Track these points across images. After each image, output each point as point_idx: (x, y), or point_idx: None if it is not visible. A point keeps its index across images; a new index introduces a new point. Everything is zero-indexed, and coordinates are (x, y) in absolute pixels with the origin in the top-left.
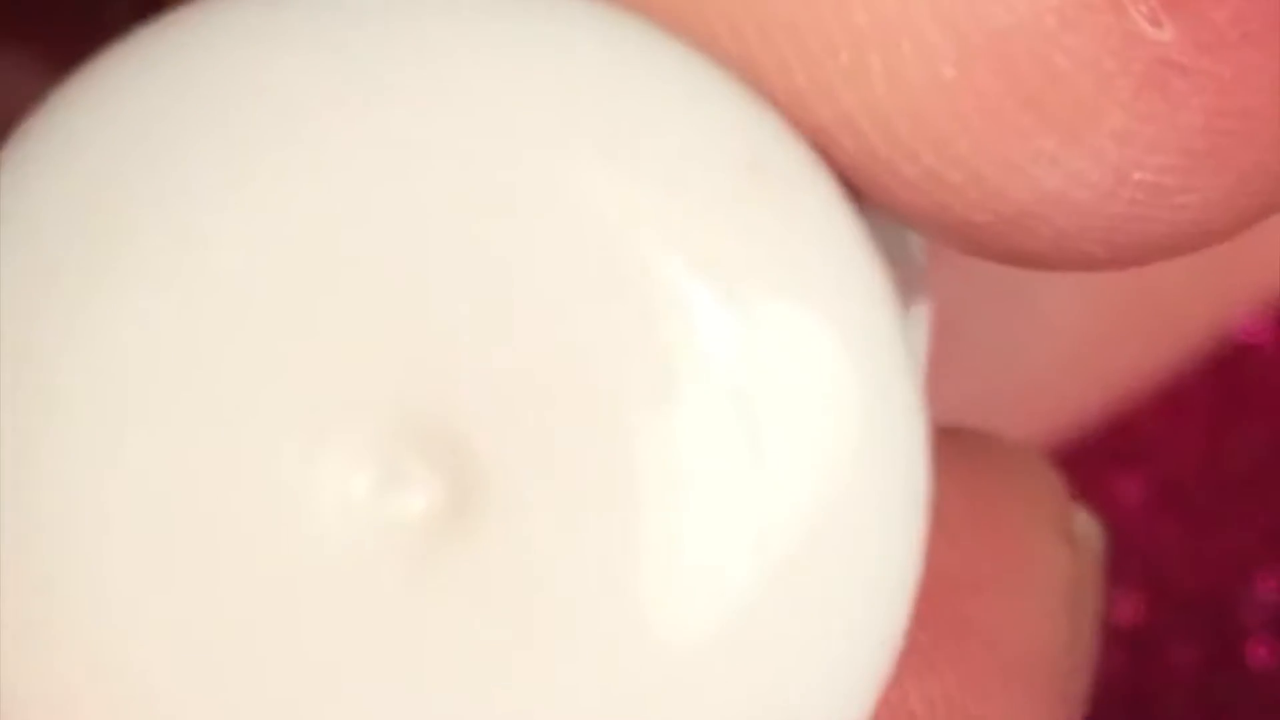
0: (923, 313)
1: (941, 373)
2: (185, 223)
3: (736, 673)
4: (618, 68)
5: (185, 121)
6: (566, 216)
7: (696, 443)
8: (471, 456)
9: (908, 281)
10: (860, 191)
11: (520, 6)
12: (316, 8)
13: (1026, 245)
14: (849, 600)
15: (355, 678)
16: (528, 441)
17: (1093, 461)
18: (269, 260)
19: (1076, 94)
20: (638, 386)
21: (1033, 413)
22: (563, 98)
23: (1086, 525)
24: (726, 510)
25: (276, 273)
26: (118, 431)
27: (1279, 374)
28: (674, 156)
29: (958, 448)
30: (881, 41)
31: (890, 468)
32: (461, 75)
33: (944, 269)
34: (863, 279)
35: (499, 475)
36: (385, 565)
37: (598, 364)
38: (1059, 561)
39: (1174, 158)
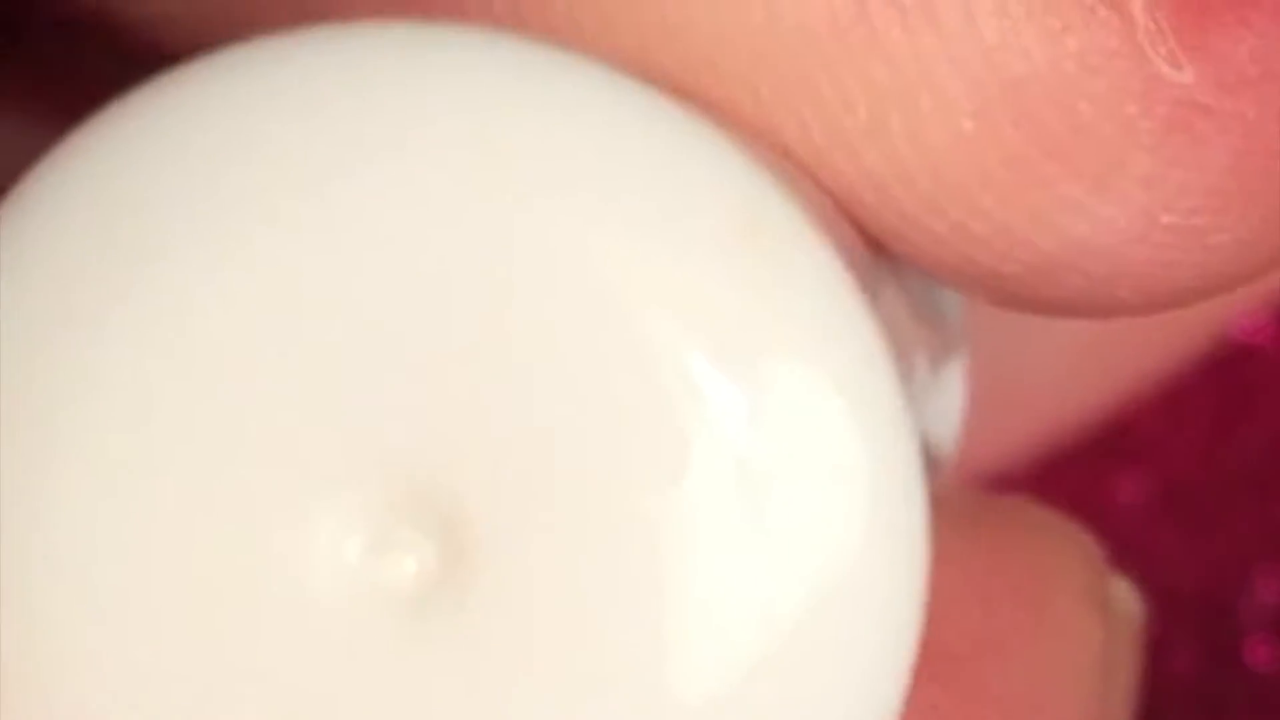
0: (957, 369)
1: None
2: (177, 290)
3: None
4: (614, 132)
5: (177, 189)
6: (562, 282)
7: (696, 510)
8: (465, 522)
9: (942, 338)
10: (887, 246)
11: (517, 68)
12: (308, 71)
13: (1057, 294)
14: (852, 666)
15: None
16: (522, 507)
17: (1093, 461)
18: (264, 326)
19: (1100, 140)
20: (635, 454)
21: (1033, 413)
22: (558, 163)
23: (1124, 595)
24: (729, 578)
25: (271, 339)
26: (110, 498)
27: (1279, 374)
28: (673, 223)
29: (992, 515)
30: (900, 97)
31: (892, 530)
32: (459, 140)
33: None
34: (860, 340)
35: (492, 540)
36: (377, 629)
37: (595, 431)
38: (1090, 632)
39: (1202, 199)
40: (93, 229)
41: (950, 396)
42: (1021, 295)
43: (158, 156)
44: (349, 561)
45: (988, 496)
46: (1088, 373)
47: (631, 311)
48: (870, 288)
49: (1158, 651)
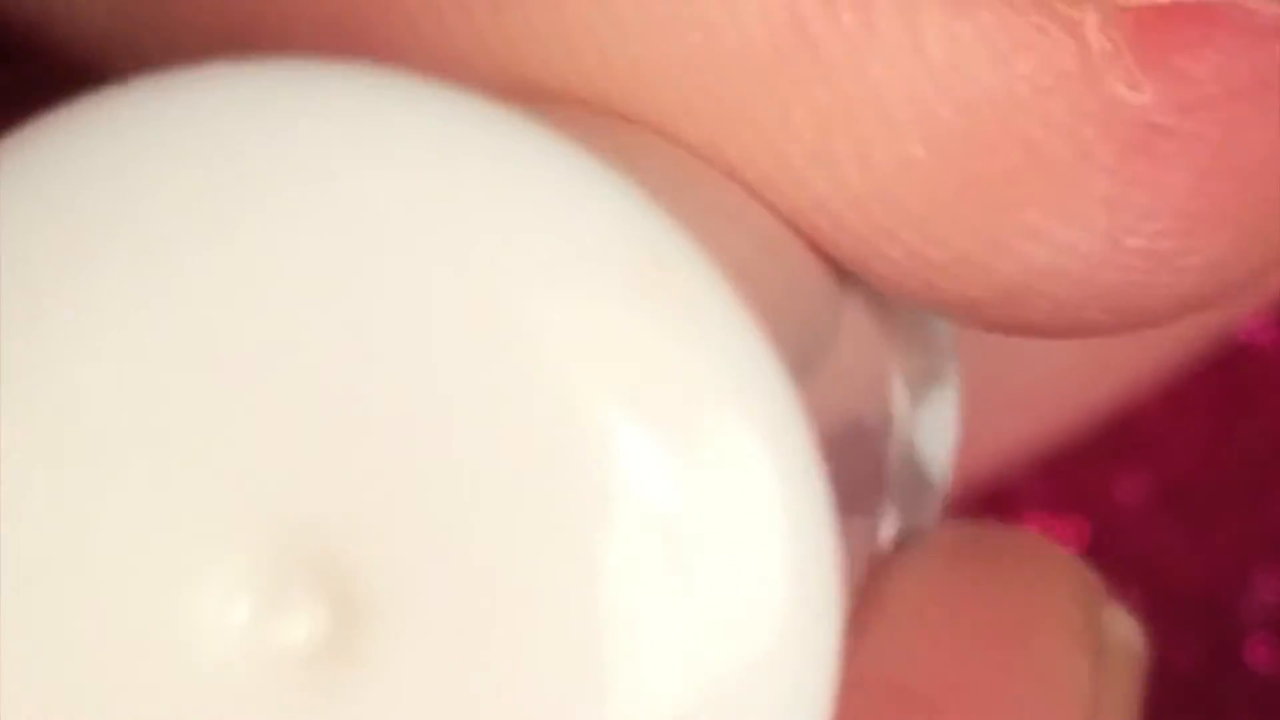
0: (949, 392)
1: None
2: (53, 336)
3: None
4: (514, 179)
5: (61, 231)
6: (462, 330)
7: (606, 565)
8: (361, 581)
9: (928, 360)
10: (850, 272)
11: (408, 112)
12: (213, 110)
13: (1026, 317)
14: None
15: None
16: (420, 563)
17: (1093, 461)
18: (138, 381)
19: (1056, 164)
20: (540, 507)
21: (1033, 413)
22: (459, 211)
23: (1123, 627)
24: (643, 634)
25: (146, 393)
26: None
27: (1279, 374)
28: (578, 271)
29: (979, 548)
30: (845, 122)
31: (813, 583)
32: (356, 190)
33: None
34: (775, 390)
35: (390, 598)
36: (268, 694)
37: (499, 485)
38: (1077, 674)
39: (1168, 222)
40: None
41: (942, 418)
42: (992, 319)
43: (49, 196)
44: (237, 624)
45: (981, 528)
46: (1088, 373)
47: (536, 361)
48: (823, 318)
49: (1158, 651)
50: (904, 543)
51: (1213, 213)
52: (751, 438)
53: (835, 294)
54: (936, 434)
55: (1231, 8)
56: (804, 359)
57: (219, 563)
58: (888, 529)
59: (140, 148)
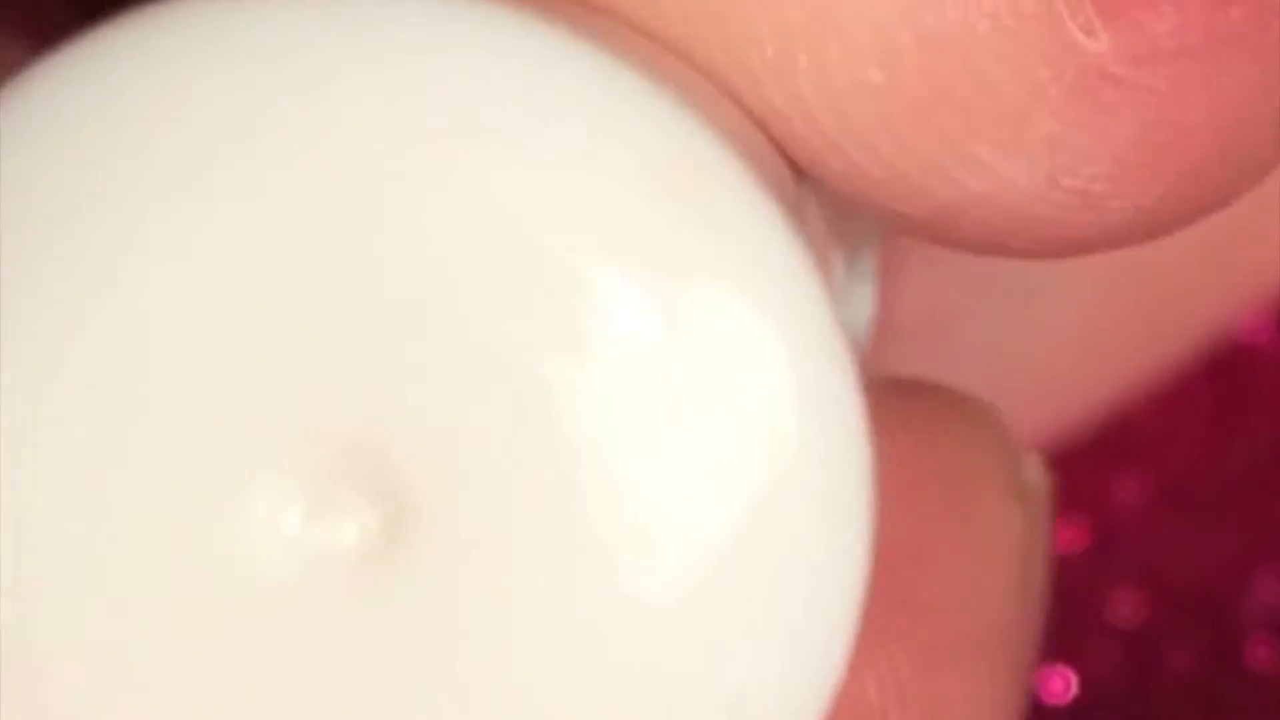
0: (870, 259)
1: (941, 373)
2: (102, 257)
3: (691, 654)
4: (534, 74)
5: (99, 152)
6: (490, 229)
7: (632, 441)
8: (403, 479)
9: (858, 233)
10: (795, 168)
11: (439, 16)
12: (224, 30)
13: (950, 236)
14: (801, 576)
15: (290, 710)
16: (455, 454)
17: (1093, 461)
18: (195, 291)
19: (1007, 101)
20: (569, 392)
21: (1032, 413)
22: (478, 105)
23: (1035, 472)
24: (667, 505)
25: (202, 304)
26: (38, 474)
27: (1279, 374)
28: (598, 164)
29: (901, 402)
30: (808, 39)
31: (828, 446)
32: (376, 84)
33: (944, 270)
34: (789, 269)
35: (430, 494)
36: (321, 596)
37: (519, 371)
38: (1008, 521)
39: (1105, 166)
40: (18, 188)
41: (864, 291)
42: (916, 231)
43: (87, 114)
44: (289, 530)
45: (899, 382)
46: (1088, 373)
47: (549, 245)
48: (797, 204)
49: (1158, 651)
50: None
51: (1149, 163)
52: (761, 307)
53: (794, 187)
54: (858, 308)
55: None
56: None
57: (271, 471)
58: None
59: (168, 65)
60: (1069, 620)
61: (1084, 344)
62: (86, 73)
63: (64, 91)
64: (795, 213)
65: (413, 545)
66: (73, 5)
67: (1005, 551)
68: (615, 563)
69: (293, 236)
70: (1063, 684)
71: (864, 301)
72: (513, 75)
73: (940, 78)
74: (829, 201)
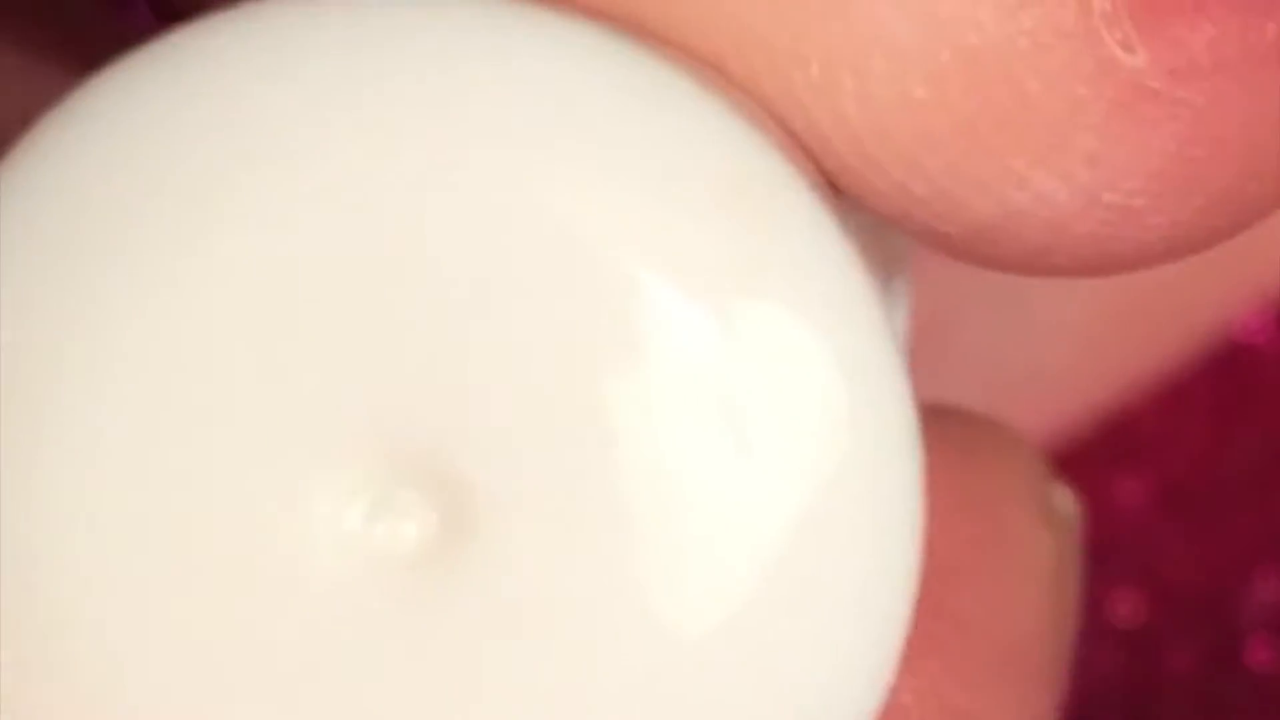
0: (903, 284)
1: (941, 373)
2: (171, 261)
3: (740, 673)
4: (599, 87)
5: (169, 161)
6: (551, 239)
7: (686, 452)
8: (463, 481)
9: (890, 254)
10: (834, 188)
11: (497, 24)
12: (284, 38)
13: (996, 255)
14: (850, 592)
15: (352, 708)
16: (515, 459)
17: (1093, 461)
18: (258, 295)
19: (1047, 117)
20: (626, 403)
21: (1032, 413)
22: (544, 118)
23: (1064, 501)
24: (720, 517)
25: (265, 307)
26: (107, 469)
27: (1279, 374)
28: (658, 175)
29: (937, 428)
30: (853, 57)
31: (881, 464)
32: (437, 98)
33: (943, 270)
34: (846, 285)
35: (489, 497)
36: (380, 594)
37: (581, 380)
38: (1041, 544)
39: (1144, 181)
40: (87, 197)
41: (898, 315)
42: (958, 250)
43: (148, 128)
44: (350, 528)
45: (933, 408)
46: (1088, 373)
47: (611, 257)
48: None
49: (1158, 651)
50: None
51: (1188, 178)
52: (819, 327)
53: (838, 207)
54: (895, 322)
55: None
56: None
57: (333, 466)
58: None
59: (218, 80)
60: None
61: (1084, 344)
62: (142, 87)
63: (121, 107)
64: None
65: (469, 548)
66: (113, 29)
67: (1037, 572)
68: (667, 573)
69: (357, 242)
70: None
71: (899, 322)
72: (567, 82)
73: (982, 94)
74: (865, 225)
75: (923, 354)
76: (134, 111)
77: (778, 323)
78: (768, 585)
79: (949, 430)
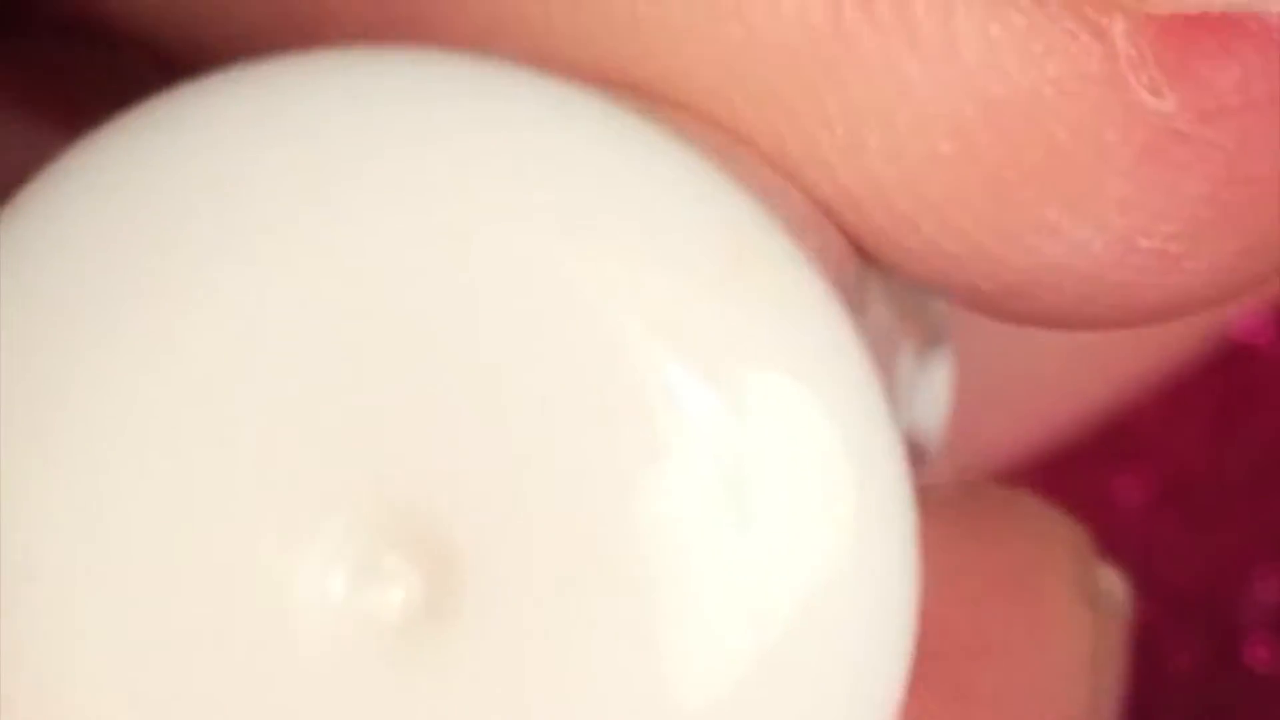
0: (944, 358)
1: None
2: (164, 317)
3: None
4: (603, 159)
5: (168, 213)
6: (548, 306)
7: (685, 527)
8: (451, 547)
9: (928, 328)
10: (865, 255)
11: (504, 92)
12: (278, 101)
13: (1031, 308)
14: (846, 666)
15: None
16: (506, 527)
17: (1093, 461)
18: (246, 356)
19: (1077, 165)
20: (622, 473)
21: (1033, 413)
22: (548, 187)
23: (1110, 583)
24: (719, 590)
25: (252, 367)
26: (92, 530)
27: (1279, 374)
28: (658, 247)
29: (977, 505)
30: (877, 115)
31: (880, 540)
32: (439, 163)
33: None
34: (847, 360)
35: (479, 564)
36: (365, 661)
37: (580, 451)
38: (1079, 626)
39: (1180, 225)
40: (84, 251)
41: (937, 385)
42: (995, 307)
43: (147, 182)
44: (334, 592)
45: (977, 486)
46: (1088, 373)
47: (614, 330)
48: (857, 294)
49: (1158, 651)
50: None
51: (1224, 220)
52: (819, 402)
53: (861, 275)
54: (931, 402)
55: (1254, 20)
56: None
57: (318, 530)
58: None
59: (228, 139)
60: None
61: (1084, 344)
62: (139, 148)
63: (113, 170)
64: (855, 304)
65: (456, 614)
66: (109, 88)
67: (1073, 653)
68: (663, 647)
69: (350, 306)
70: None
71: (939, 392)
72: (573, 153)
73: (1010, 146)
74: (899, 289)
75: None
76: (129, 174)
77: (781, 397)
78: (767, 662)
79: (987, 507)
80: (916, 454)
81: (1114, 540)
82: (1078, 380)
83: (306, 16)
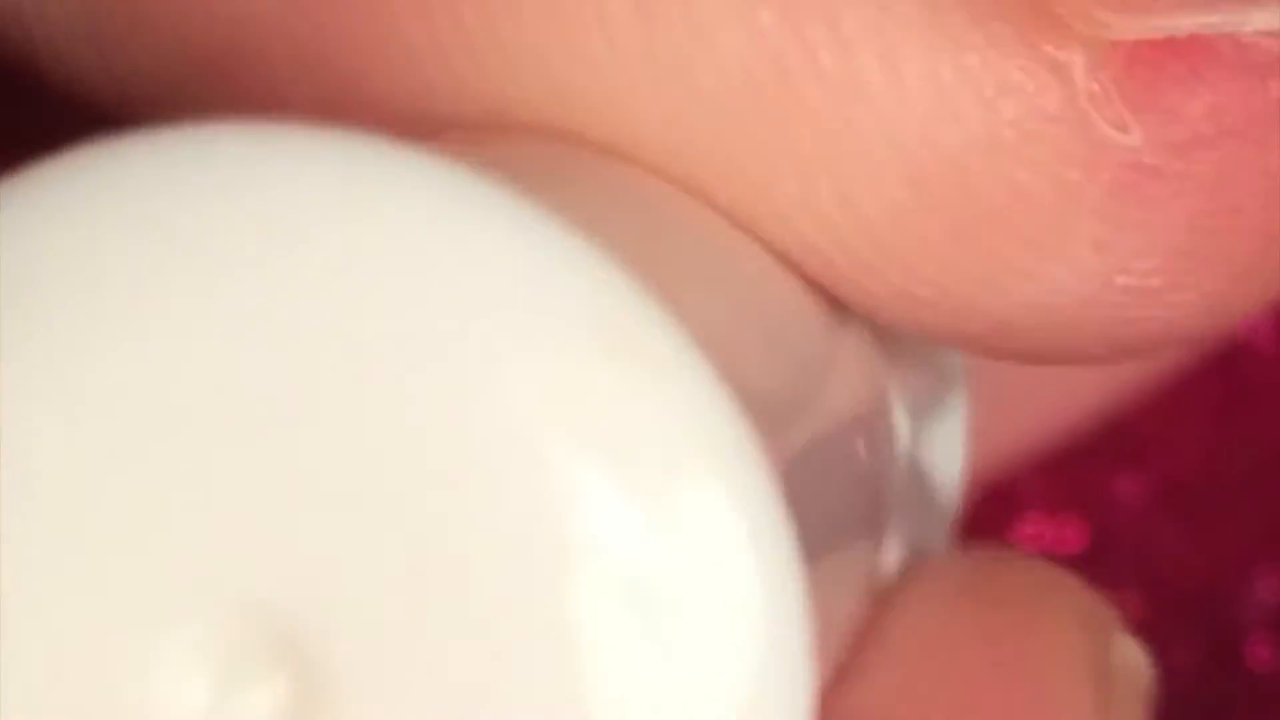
0: (957, 406)
1: None
2: (18, 396)
3: None
4: (480, 243)
5: (22, 291)
6: (425, 395)
7: (581, 628)
8: (323, 652)
9: (935, 376)
10: (840, 303)
11: (377, 178)
12: (132, 186)
13: (1020, 349)
14: None
15: None
16: (381, 633)
17: (1093, 461)
18: (96, 445)
19: (1043, 207)
20: (503, 575)
21: (1033, 413)
22: (418, 274)
23: (1130, 658)
24: (622, 696)
25: (102, 458)
26: None
27: (1279, 374)
28: (538, 329)
29: (987, 574)
30: (829, 168)
31: (783, 635)
32: (327, 253)
33: None
34: (739, 448)
35: (353, 670)
36: None
37: (462, 550)
38: (1081, 708)
39: (1159, 260)
40: None
41: (952, 435)
42: (985, 349)
43: (18, 252)
44: (196, 702)
45: (986, 557)
46: (1088, 373)
47: (498, 425)
48: (826, 345)
49: (1158, 651)
50: (910, 567)
51: (1207, 251)
52: (718, 497)
53: (829, 325)
54: (945, 454)
55: (1225, 42)
56: (795, 391)
57: (177, 633)
58: (893, 551)
59: (114, 211)
60: None
61: None
62: (64, 196)
63: (18, 222)
64: (828, 352)
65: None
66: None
67: None
68: None
69: (222, 398)
70: None
71: (954, 442)
72: (467, 243)
73: (971, 191)
74: (895, 344)
75: None
76: (50, 219)
77: (674, 490)
78: None
79: (998, 577)
80: (929, 509)
81: (1114, 540)
82: (1079, 380)
83: (224, 68)
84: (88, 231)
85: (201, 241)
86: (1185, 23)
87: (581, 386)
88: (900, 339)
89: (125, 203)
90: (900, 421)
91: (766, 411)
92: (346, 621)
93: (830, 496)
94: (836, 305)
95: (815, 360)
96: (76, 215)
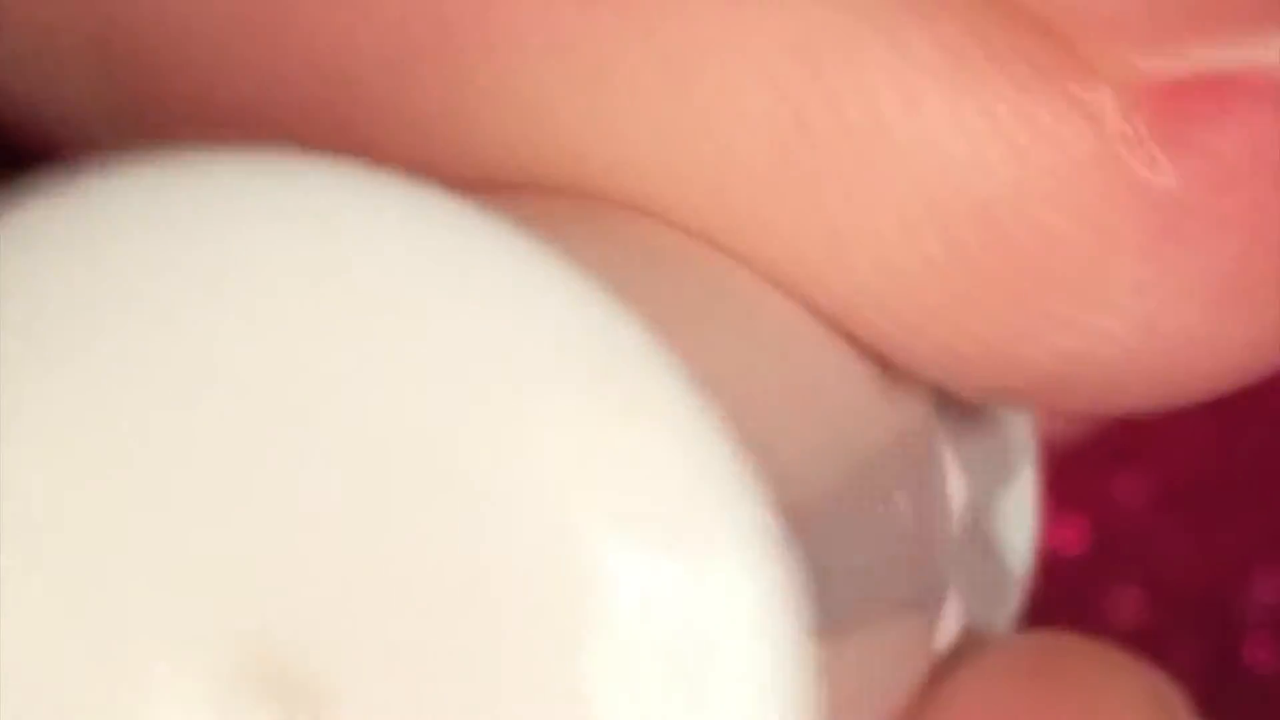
0: (1027, 476)
1: None
2: (9, 420)
3: None
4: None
5: (20, 313)
6: (444, 451)
7: (587, 687)
8: (325, 693)
9: (1001, 449)
10: (883, 361)
11: (379, 215)
12: (139, 204)
13: (1069, 402)
14: None
15: None
16: (383, 677)
17: (1093, 461)
18: (87, 491)
19: (1081, 255)
20: (515, 627)
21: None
22: (405, 312)
23: None
24: None
25: (96, 504)
26: None
27: (1279, 374)
28: (558, 397)
29: (1045, 663)
30: (859, 226)
31: (790, 703)
32: (314, 294)
33: None
34: (753, 517)
35: (355, 712)
36: None
37: (470, 606)
38: None
39: (1205, 302)
40: None
41: (1023, 504)
42: (1035, 403)
43: (32, 274)
44: None
45: (1049, 641)
46: None
47: (517, 481)
48: (858, 413)
49: (1158, 651)
50: (971, 642)
51: (1252, 290)
52: (726, 566)
53: (872, 385)
54: (1014, 526)
55: (1254, 75)
56: (834, 459)
57: (173, 675)
58: (952, 622)
59: (102, 244)
60: (1069, 620)
61: None
62: (40, 227)
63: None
64: (872, 416)
65: None
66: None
67: None
68: None
69: (218, 437)
70: None
71: (1025, 511)
72: (484, 293)
73: (1005, 242)
74: (956, 410)
75: None
76: (26, 250)
77: (692, 554)
78: None
79: (1054, 665)
80: (998, 579)
81: (1114, 540)
82: None
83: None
84: (86, 255)
85: (200, 283)
86: (1213, 58)
87: (601, 448)
88: (961, 403)
89: (128, 232)
90: (955, 485)
91: (792, 465)
92: (346, 668)
93: (874, 562)
94: (883, 361)
95: (859, 421)
96: (76, 237)
